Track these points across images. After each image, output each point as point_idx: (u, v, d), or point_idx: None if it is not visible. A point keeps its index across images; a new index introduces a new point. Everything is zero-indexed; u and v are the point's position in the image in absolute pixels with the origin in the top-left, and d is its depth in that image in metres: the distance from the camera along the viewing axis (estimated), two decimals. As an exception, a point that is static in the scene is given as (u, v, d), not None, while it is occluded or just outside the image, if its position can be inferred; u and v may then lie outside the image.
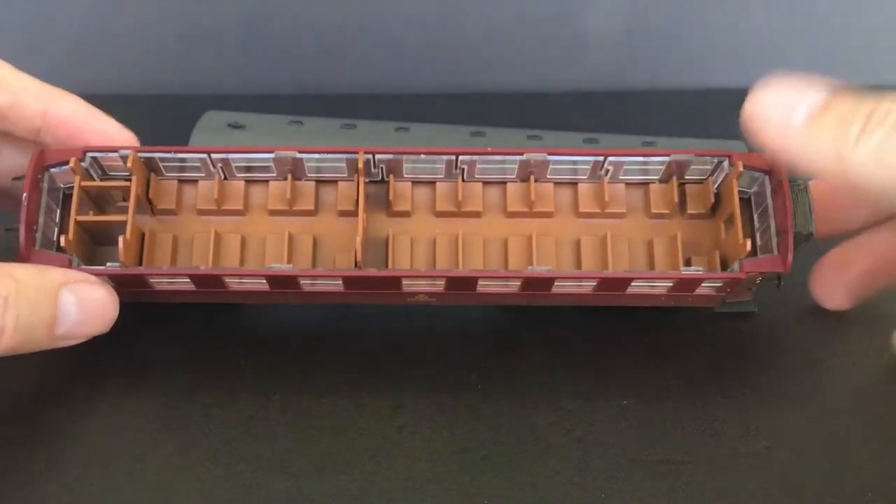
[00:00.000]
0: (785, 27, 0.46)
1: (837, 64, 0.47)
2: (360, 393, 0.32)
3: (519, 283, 0.31)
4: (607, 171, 0.32)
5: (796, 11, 0.45)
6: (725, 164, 0.31)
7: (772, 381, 0.33)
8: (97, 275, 0.30)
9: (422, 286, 0.31)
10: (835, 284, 0.34)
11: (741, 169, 0.31)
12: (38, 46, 0.44)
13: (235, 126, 0.39)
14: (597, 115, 0.46)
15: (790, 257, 0.30)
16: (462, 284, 0.31)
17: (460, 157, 0.31)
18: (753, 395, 0.32)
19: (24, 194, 0.29)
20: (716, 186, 0.32)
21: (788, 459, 0.31)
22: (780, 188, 0.30)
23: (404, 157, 0.31)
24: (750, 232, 0.31)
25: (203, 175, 0.32)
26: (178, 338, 0.34)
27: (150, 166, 0.32)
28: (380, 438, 0.31)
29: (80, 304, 0.28)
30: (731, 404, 0.32)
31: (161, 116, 0.44)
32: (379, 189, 0.32)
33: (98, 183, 0.31)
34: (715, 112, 0.46)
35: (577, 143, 0.40)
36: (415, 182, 0.33)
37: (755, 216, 0.32)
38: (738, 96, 0.47)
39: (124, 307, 0.30)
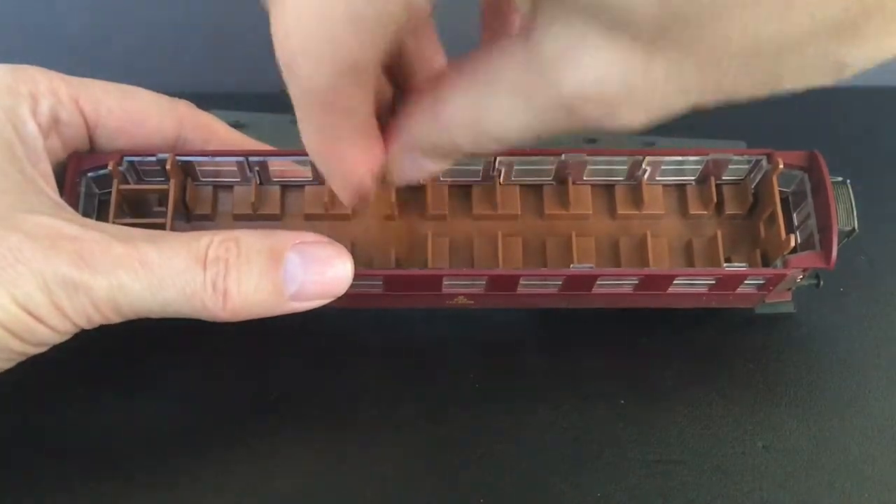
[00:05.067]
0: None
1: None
2: (357, 391, 0.33)
3: (560, 283, 0.31)
4: (645, 171, 0.32)
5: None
6: (763, 162, 0.31)
7: (769, 381, 0.33)
8: None
9: (462, 287, 0.31)
10: None
11: (781, 165, 0.31)
12: (38, 46, 0.44)
13: (236, 125, 0.39)
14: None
15: (834, 252, 0.30)
16: (503, 284, 0.31)
17: (498, 158, 0.31)
18: (750, 396, 0.33)
19: (62, 197, 0.29)
20: (753, 186, 0.32)
21: (785, 459, 0.31)
22: (821, 185, 0.30)
23: None
24: (791, 230, 0.31)
25: (239, 180, 0.32)
26: (174, 338, 0.34)
27: (187, 171, 0.31)
28: (378, 436, 0.31)
29: (306, 264, 0.27)
30: (728, 405, 0.32)
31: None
32: (415, 195, 0.32)
33: (136, 186, 0.31)
34: (714, 112, 0.46)
35: (577, 144, 0.40)
36: (451, 185, 0.32)
37: (794, 216, 0.32)
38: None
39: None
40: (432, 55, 0.27)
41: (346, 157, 0.24)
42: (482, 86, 0.22)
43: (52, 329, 0.25)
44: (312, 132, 0.23)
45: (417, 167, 0.25)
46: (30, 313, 0.25)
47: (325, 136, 0.23)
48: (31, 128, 0.28)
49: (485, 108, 0.22)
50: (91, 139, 0.30)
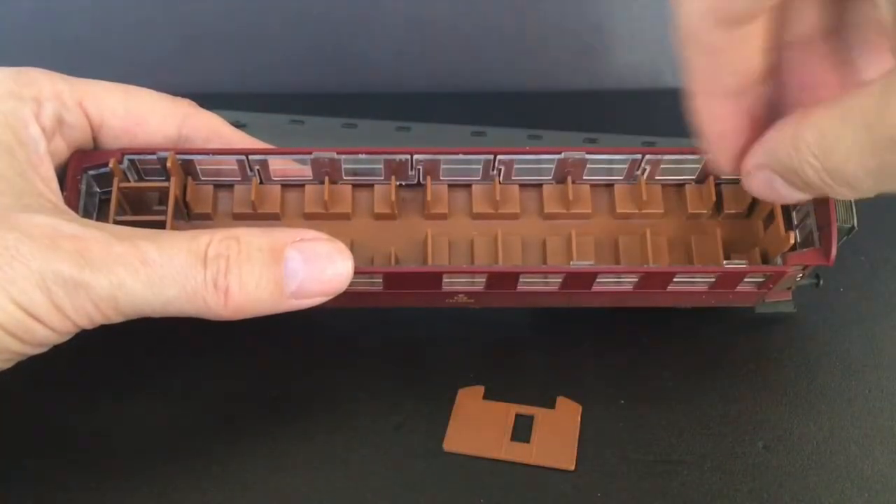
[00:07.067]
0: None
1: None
2: (357, 392, 0.33)
3: (560, 281, 0.31)
4: (644, 170, 0.32)
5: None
6: None
7: (769, 381, 0.33)
8: None
9: (462, 285, 0.31)
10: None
11: None
12: (38, 47, 0.44)
13: (236, 125, 0.39)
14: (597, 115, 0.46)
15: (834, 250, 0.30)
16: (503, 282, 0.31)
17: (498, 157, 0.31)
18: (750, 396, 0.33)
19: (63, 194, 0.29)
20: None
21: (786, 460, 0.31)
22: None
23: (442, 157, 0.31)
24: (790, 228, 0.31)
25: (239, 179, 0.32)
26: (174, 338, 0.34)
27: (188, 170, 0.31)
28: (376, 436, 0.31)
29: (306, 261, 0.27)
30: (728, 404, 0.32)
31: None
32: (415, 194, 0.32)
33: (136, 184, 0.31)
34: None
35: (578, 143, 0.40)
36: (451, 185, 0.33)
37: (793, 214, 0.32)
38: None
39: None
40: (818, 79, 0.26)
41: (717, 114, 0.25)
42: (834, 119, 0.22)
43: (51, 329, 0.25)
44: (690, 74, 0.25)
45: (769, 187, 0.26)
46: (28, 313, 0.25)
47: (700, 82, 0.25)
48: (34, 132, 0.28)
49: (832, 142, 0.22)
50: (95, 140, 0.30)
